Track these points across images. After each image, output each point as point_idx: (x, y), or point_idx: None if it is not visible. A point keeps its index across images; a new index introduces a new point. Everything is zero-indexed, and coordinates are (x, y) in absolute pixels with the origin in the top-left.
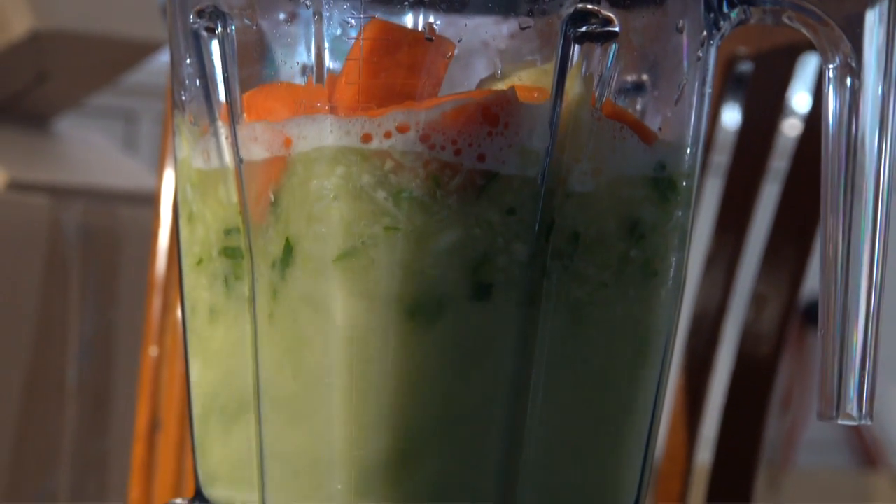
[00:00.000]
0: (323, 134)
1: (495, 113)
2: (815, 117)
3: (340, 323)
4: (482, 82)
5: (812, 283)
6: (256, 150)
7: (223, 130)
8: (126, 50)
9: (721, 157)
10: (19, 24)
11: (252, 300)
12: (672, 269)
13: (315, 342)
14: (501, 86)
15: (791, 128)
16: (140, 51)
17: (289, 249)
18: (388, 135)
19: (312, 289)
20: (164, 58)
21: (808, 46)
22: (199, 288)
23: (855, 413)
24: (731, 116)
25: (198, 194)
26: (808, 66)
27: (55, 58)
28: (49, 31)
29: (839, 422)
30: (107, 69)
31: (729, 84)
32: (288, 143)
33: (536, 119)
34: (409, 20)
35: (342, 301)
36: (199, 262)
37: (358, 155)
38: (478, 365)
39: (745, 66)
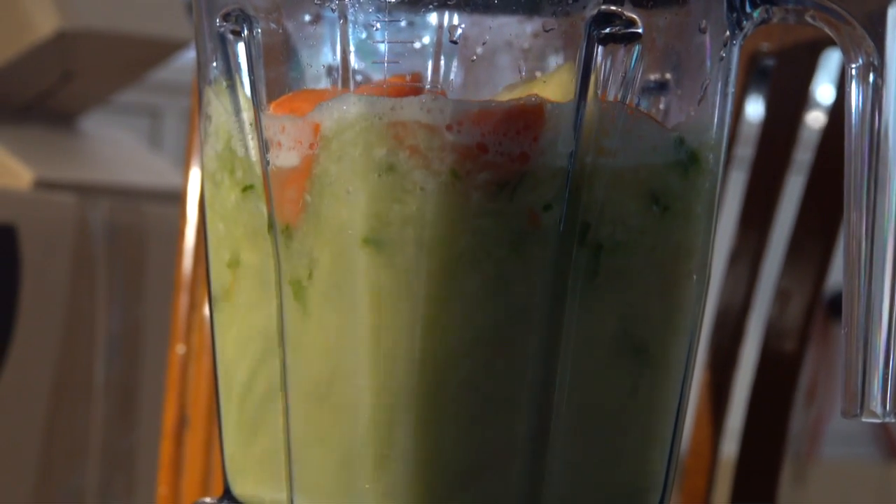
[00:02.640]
0: (348, 110)
1: (523, 118)
2: (839, 110)
3: (367, 316)
4: (504, 90)
5: (837, 274)
6: (285, 147)
7: (250, 132)
8: (151, 48)
9: (745, 151)
10: (45, 24)
11: (279, 298)
12: (698, 257)
13: (342, 340)
14: (524, 88)
15: (815, 120)
16: (164, 49)
17: (317, 242)
18: (415, 124)
19: (338, 281)
20: (188, 55)
21: (831, 42)
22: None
23: (879, 410)
24: (755, 109)
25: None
26: (831, 60)
27: (81, 57)
28: (74, 30)
29: (863, 419)
30: (132, 67)
31: (752, 77)
32: (316, 129)
33: (561, 120)
34: (433, 20)
35: (369, 291)
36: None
37: (384, 135)
38: (504, 356)
39: (769, 62)
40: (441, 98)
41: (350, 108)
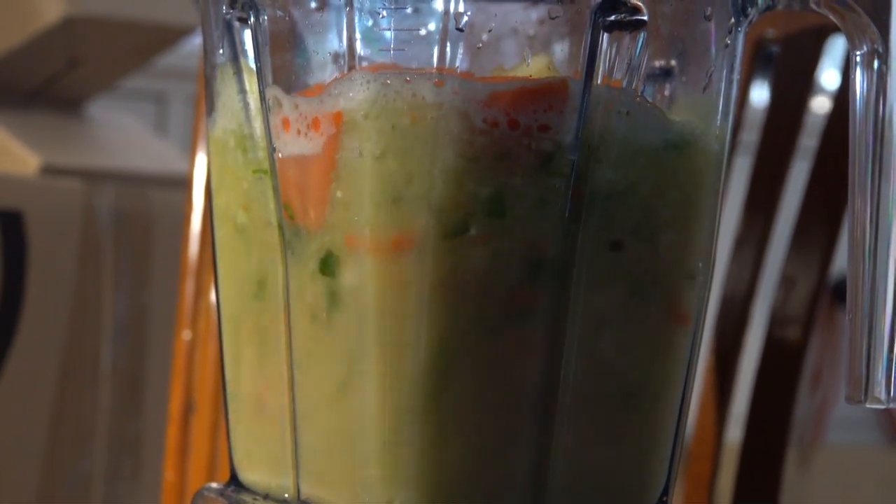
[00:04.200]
0: (360, 89)
1: (531, 97)
2: (844, 95)
3: (374, 301)
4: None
5: (842, 260)
6: (299, 133)
7: (256, 117)
8: (157, 34)
9: (750, 137)
10: (52, 11)
11: (286, 286)
12: (703, 244)
13: (348, 327)
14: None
15: (820, 106)
16: (171, 35)
17: (341, 236)
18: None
19: (347, 265)
20: (194, 41)
21: (837, 29)
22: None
23: (883, 396)
24: (760, 95)
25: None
26: (836, 46)
27: (87, 43)
28: (81, 16)
29: (868, 405)
30: (138, 54)
31: (757, 63)
32: (337, 115)
33: (567, 104)
34: (439, 7)
35: (376, 274)
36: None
37: (401, 108)
38: (510, 336)
39: (774, 48)
40: (458, 77)
41: (370, 87)
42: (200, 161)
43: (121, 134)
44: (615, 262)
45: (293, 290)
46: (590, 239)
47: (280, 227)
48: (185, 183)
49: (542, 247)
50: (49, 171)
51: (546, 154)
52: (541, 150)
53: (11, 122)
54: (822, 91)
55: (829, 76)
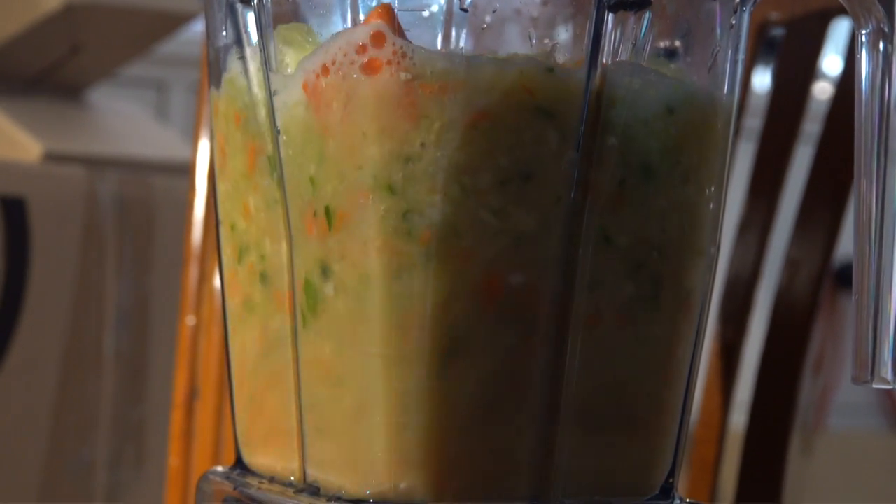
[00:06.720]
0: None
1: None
2: (846, 81)
3: (380, 280)
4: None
5: (844, 245)
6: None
7: (262, 99)
8: (158, 21)
9: (753, 122)
10: None
11: (290, 268)
12: (710, 228)
13: (355, 311)
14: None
15: (821, 91)
16: (172, 22)
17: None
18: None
19: (352, 244)
20: (194, 28)
21: (840, 11)
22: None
23: (890, 376)
24: (762, 80)
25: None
26: (840, 31)
27: (88, 30)
28: (82, 3)
29: (874, 385)
30: (139, 40)
31: (760, 48)
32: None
33: (572, 85)
34: None
35: (380, 247)
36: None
37: (414, 89)
38: (516, 315)
39: (777, 31)
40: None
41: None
42: (203, 147)
43: (122, 121)
44: (623, 236)
45: (297, 271)
46: (597, 210)
47: (285, 210)
48: (186, 169)
49: (550, 221)
50: (51, 157)
51: (555, 132)
52: (548, 128)
53: (13, 109)
54: (824, 77)
55: (830, 62)
